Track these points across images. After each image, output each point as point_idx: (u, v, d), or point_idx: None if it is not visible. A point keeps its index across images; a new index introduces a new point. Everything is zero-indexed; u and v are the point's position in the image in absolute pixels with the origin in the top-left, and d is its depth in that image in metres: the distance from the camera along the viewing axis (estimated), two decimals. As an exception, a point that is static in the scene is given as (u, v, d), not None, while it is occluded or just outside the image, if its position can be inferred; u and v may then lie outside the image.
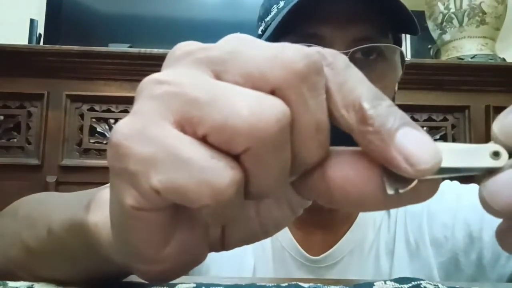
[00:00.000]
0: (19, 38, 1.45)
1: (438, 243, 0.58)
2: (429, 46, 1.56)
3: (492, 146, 0.20)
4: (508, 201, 0.19)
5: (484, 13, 1.42)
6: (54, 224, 0.27)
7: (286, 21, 0.50)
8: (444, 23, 1.47)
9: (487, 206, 0.19)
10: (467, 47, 1.44)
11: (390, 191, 0.19)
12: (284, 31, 0.52)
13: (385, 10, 0.51)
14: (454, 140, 1.36)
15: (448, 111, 1.37)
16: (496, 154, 0.20)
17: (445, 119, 1.37)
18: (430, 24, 1.52)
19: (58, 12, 1.49)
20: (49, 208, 0.30)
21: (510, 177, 0.19)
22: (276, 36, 0.53)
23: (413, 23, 0.52)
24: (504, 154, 0.20)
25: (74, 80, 1.31)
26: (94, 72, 1.32)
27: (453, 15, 1.45)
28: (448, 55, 1.47)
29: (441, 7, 1.47)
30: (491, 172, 0.20)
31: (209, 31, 1.47)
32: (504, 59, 1.45)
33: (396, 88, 0.59)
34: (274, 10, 0.55)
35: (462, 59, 1.42)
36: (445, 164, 0.20)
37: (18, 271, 0.30)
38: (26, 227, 0.30)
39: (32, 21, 1.49)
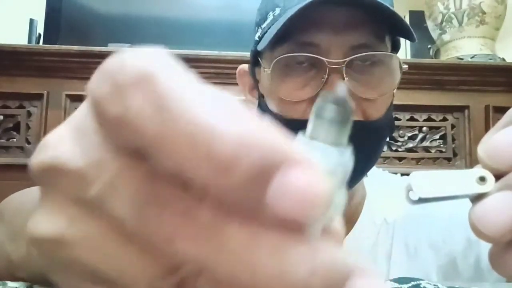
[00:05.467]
0: (19, 38, 1.45)
1: (437, 246, 0.58)
2: (429, 46, 1.56)
3: (478, 171, 0.20)
4: (497, 225, 0.19)
5: (483, 13, 1.42)
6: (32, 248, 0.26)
7: (282, 30, 0.50)
8: (444, 23, 1.47)
9: (477, 230, 0.19)
10: (466, 47, 1.44)
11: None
12: (280, 40, 0.52)
13: (381, 16, 0.51)
14: (453, 140, 1.36)
15: (447, 111, 1.37)
16: (482, 179, 0.20)
17: (444, 119, 1.37)
18: (429, 24, 1.52)
19: (57, 12, 1.49)
20: (27, 220, 0.28)
21: (497, 201, 0.19)
22: (272, 44, 0.53)
23: (410, 32, 0.52)
24: (490, 178, 0.20)
25: (73, 80, 1.31)
26: (93, 72, 1.31)
27: (452, 15, 1.45)
28: (448, 55, 1.47)
29: (441, 7, 1.47)
30: (479, 197, 0.20)
31: (209, 31, 1.47)
32: (503, 59, 1.44)
33: (395, 91, 0.59)
34: (270, 17, 0.55)
35: (462, 59, 1.42)
36: (433, 194, 0.20)
37: (10, 274, 0.30)
38: (9, 238, 0.29)
39: (31, 21, 1.49)
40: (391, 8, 0.50)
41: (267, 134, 0.12)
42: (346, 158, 0.14)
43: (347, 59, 0.51)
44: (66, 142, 0.15)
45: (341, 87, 0.14)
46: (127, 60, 0.13)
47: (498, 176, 0.20)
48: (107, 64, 0.13)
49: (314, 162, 0.12)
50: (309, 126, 0.15)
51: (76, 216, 0.14)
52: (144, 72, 0.13)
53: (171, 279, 0.13)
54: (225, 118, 0.12)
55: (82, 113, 0.16)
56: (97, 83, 0.13)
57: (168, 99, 0.12)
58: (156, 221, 0.12)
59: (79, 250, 0.14)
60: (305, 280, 0.12)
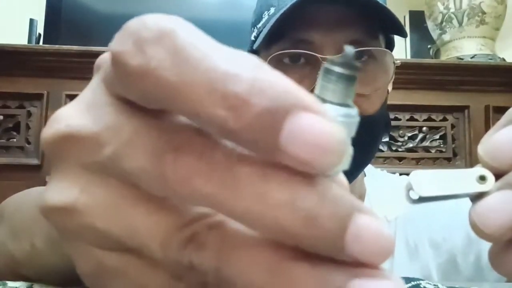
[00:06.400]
0: (19, 38, 1.45)
1: (437, 244, 0.59)
2: (429, 46, 1.56)
3: (478, 170, 0.20)
4: (497, 224, 0.19)
5: (483, 13, 1.42)
6: (36, 239, 0.26)
7: (276, 28, 0.51)
8: (444, 23, 1.47)
9: (478, 229, 0.20)
10: (466, 47, 1.44)
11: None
12: (274, 38, 0.53)
13: (374, 13, 0.52)
14: (453, 140, 1.36)
15: (447, 111, 1.37)
16: (482, 178, 0.20)
17: (444, 119, 1.37)
18: (429, 24, 1.52)
19: (57, 12, 1.49)
20: (29, 217, 0.28)
21: (497, 200, 0.19)
22: (267, 42, 0.53)
23: (400, 27, 0.53)
24: (490, 177, 0.20)
25: (74, 80, 1.31)
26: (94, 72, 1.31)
27: (452, 15, 1.45)
28: (448, 55, 1.47)
29: (441, 7, 1.47)
30: (479, 196, 0.20)
31: (209, 31, 1.47)
32: (503, 59, 1.45)
33: (391, 88, 0.59)
34: (265, 17, 0.56)
35: (462, 59, 1.42)
36: (433, 193, 0.20)
37: (13, 273, 0.30)
38: (11, 237, 0.29)
39: (31, 21, 1.49)
40: (383, 5, 0.51)
41: (280, 79, 0.13)
42: (352, 116, 0.15)
43: (340, 54, 0.51)
44: (78, 113, 0.16)
45: (348, 48, 0.15)
46: (148, 19, 0.14)
47: (498, 175, 0.20)
48: (129, 24, 0.14)
49: (326, 109, 0.13)
50: (317, 87, 0.15)
51: (88, 183, 0.15)
52: (165, 28, 0.14)
53: (183, 234, 0.14)
54: (240, 65, 0.13)
55: (92, 88, 0.16)
56: (119, 40, 0.14)
57: (188, 50, 0.13)
58: (173, 165, 0.13)
59: (91, 217, 0.15)
60: (314, 209, 0.12)
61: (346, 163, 0.14)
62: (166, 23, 0.14)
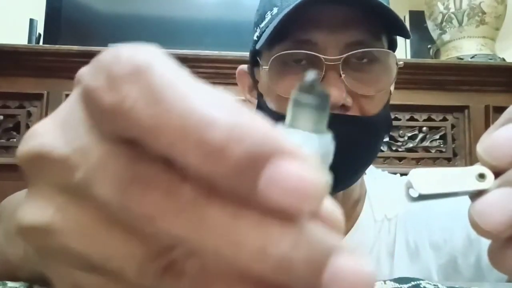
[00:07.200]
0: (19, 38, 1.45)
1: (437, 245, 0.58)
2: (429, 46, 1.56)
3: (477, 169, 0.21)
4: (496, 221, 0.19)
5: (483, 13, 1.42)
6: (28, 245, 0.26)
7: (279, 28, 0.51)
8: (444, 23, 1.47)
9: (477, 227, 0.20)
10: (466, 47, 1.44)
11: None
12: (277, 38, 0.53)
13: (377, 14, 0.52)
14: (453, 140, 1.36)
15: (447, 111, 1.37)
16: (481, 176, 0.20)
17: (444, 119, 1.37)
18: (429, 24, 1.52)
19: (57, 12, 1.49)
20: None
21: (496, 198, 0.20)
22: (270, 43, 0.53)
23: (404, 28, 0.53)
24: (490, 175, 0.20)
25: (73, 80, 1.31)
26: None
27: (452, 15, 1.45)
28: (448, 55, 1.47)
29: (441, 7, 1.47)
30: (478, 194, 0.20)
31: (209, 31, 1.47)
32: (503, 59, 1.44)
33: (393, 88, 0.59)
34: (268, 17, 0.56)
35: (462, 59, 1.42)
36: (433, 190, 0.20)
37: (9, 274, 0.30)
38: (6, 240, 0.29)
39: (31, 21, 1.49)
40: (386, 5, 0.51)
41: (258, 124, 0.12)
42: (326, 143, 0.14)
43: (344, 55, 0.51)
44: (52, 131, 0.15)
45: (309, 74, 0.15)
46: (122, 53, 0.13)
47: (497, 174, 0.20)
48: (102, 57, 0.14)
49: (307, 154, 0.12)
50: (288, 116, 0.15)
51: (62, 204, 0.15)
52: (140, 65, 0.13)
53: (159, 262, 0.13)
54: (216, 109, 0.12)
55: (69, 104, 0.16)
56: (92, 74, 0.13)
57: (162, 90, 0.12)
58: (139, 200, 0.12)
59: (66, 237, 0.14)
60: (287, 254, 0.12)
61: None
62: (141, 58, 0.13)
